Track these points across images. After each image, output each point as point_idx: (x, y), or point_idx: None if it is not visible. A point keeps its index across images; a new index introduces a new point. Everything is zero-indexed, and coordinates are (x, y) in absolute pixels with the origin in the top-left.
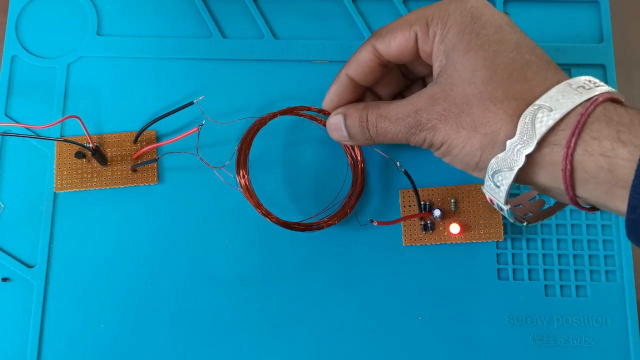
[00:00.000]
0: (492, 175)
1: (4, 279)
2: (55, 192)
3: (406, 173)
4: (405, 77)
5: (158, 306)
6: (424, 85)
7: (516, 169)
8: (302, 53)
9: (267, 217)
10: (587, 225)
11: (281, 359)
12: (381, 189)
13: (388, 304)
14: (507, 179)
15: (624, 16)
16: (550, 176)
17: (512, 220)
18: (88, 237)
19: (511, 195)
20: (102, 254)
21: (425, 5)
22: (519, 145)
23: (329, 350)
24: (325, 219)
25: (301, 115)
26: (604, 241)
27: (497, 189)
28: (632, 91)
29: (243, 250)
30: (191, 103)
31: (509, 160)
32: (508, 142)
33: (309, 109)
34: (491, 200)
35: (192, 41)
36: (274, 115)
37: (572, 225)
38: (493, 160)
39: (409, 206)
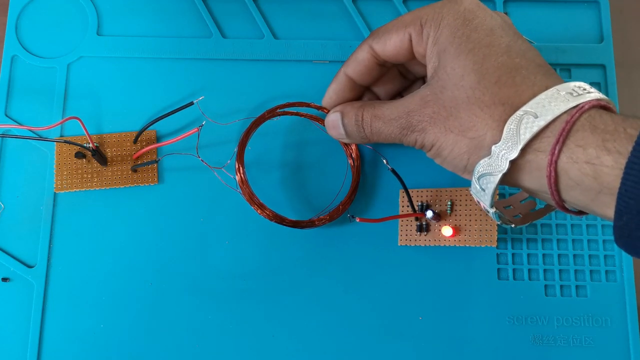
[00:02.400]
0: (478, 179)
1: (4, 279)
2: (55, 192)
3: (393, 171)
4: (404, 77)
5: (158, 306)
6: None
7: (500, 175)
8: (302, 53)
9: (260, 210)
10: (587, 226)
11: (281, 358)
12: (383, 189)
13: (388, 304)
14: (491, 183)
15: (624, 16)
16: (535, 181)
17: (498, 222)
18: (88, 237)
19: (507, 195)
20: (102, 254)
21: (421, 6)
22: (504, 151)
23: (329, 349)
24: (320, 217)
25: (301, 115)
26: (604, 241)
27: (482, 192)
28: (632, 91)
29: (243, 250)
30: (191, 103)
31: (493, 165)
32: (493, 147)
33: (308, 105)
34: (478, 202)
35: (192, 41)
36: (272, 111)
37: (572, 225)
38: (479, 164)
39: (408, 206)
